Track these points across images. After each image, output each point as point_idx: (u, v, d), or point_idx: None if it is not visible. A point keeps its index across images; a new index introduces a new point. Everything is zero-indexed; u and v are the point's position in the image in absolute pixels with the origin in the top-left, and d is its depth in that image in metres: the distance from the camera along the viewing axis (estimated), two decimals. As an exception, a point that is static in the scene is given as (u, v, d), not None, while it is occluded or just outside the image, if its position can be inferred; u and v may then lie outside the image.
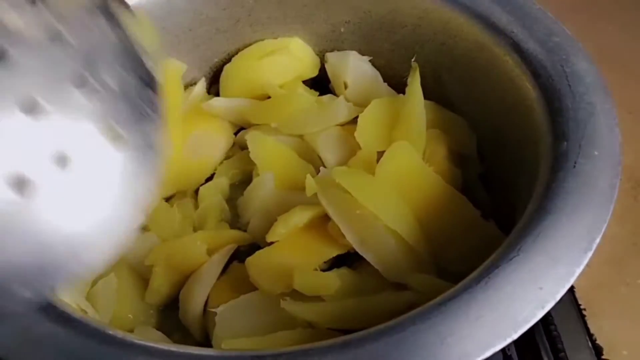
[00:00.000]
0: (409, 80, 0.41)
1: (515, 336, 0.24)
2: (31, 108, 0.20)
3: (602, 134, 0.30)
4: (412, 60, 0.42)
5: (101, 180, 0.21)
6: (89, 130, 0.21)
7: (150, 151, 0.22)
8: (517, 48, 0.36)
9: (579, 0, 0.70)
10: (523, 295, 0.25)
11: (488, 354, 0.23)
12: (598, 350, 0.42)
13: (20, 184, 0.19)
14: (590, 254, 0.26)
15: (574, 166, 0.29)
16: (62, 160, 0.20)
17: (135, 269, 0.40)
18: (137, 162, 0.22)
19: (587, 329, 0.44)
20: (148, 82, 0.23)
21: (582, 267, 0.26)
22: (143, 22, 0.24)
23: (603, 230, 0.27)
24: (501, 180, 0.40)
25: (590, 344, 0.43)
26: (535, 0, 0.54)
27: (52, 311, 0.26)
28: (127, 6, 0.24)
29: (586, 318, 0.44)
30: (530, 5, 0.38)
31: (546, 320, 0.42)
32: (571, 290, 0.45)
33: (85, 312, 0.34)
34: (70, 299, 0.33)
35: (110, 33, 0.22)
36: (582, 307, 0.45)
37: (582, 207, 0.27)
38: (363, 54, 0.46)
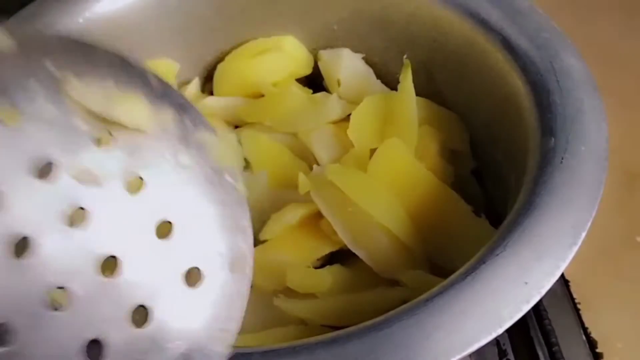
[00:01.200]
0: (401, 77, 0.42)
1: (501, 331, 0.24)
2: None
3: (589, 130, 0.30)
4: (404, 57, 0.42)
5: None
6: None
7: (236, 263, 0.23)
8: (507, 44, 0.36)
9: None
10: (508, 290, 0.25)
11: (474, 348, 0.24)
12: (592, 344, 0.43)
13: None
14: (575, 249, 0.26)
15: (561, 162, 0.29)
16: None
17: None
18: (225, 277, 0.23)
19: (582, 323, 0.44)
20: (233, 198, 0.24)
21: (567, 262, 0.26)
22: (224, 140, 0.25)
23: (589, 225, 0.27)
24: (493, 175, 0.40)
25: (584, 338, 0.43)
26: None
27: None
28: (207, 128, 0.24)
29: (581, 312, 0.44)
30: (520, 2, 0.38)
31: (540, 314, 0.43)
32: (566, 283, 0.46)
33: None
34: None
35: (191, 162, 0.23)
36: (576, 300, 0.45)
37: (568, 202, 0.28)
38: (356, 51, 0.46)
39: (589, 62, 0.63)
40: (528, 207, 0.28)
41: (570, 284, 0.46)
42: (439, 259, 0.36)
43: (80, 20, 0.39)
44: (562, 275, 0.46)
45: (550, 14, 0.67)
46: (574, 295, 0.45)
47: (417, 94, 0.42)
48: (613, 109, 0.57)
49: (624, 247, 0.48)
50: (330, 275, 0.36)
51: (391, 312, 0.25)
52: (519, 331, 0.42)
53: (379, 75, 0.47)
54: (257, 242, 0.38)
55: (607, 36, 0.65)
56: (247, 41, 0.47)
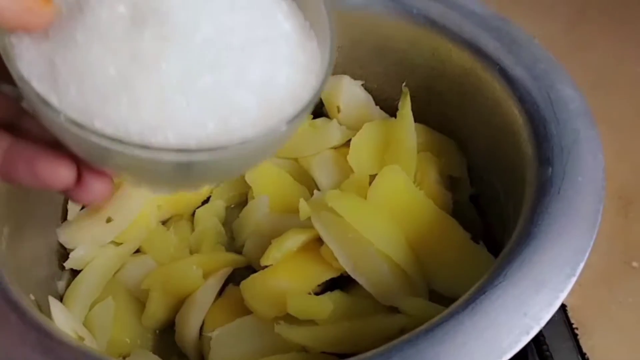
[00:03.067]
0: (399, 104, 0.42)
1: (501, 363, 0.25)
2: None
3: (585, 161, 0.31)
4: (403, 85, 0.43)
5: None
6: None
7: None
8: (504, 74, 0.37)
9: (572, 18, 0.71)
10: (508, 322, 0.26)
11: (474, 380, 0.24)
12: (590, 369, 0.43)
13: None
14: (574, 280, 0.27)
15: (559, 192, 0.30)
16: None
17: (132, 293, 0.41)
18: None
19: (579, 348, 0.44)
20: None
21: (566, 293, 0.27)
22: None
23: (587, 256, 0.28)
24: (491, 202, 0.41)
25: (582, 363, 0.43)
26: (529, 16, 0.56)
27: (47, 341, 0.27)
28: None
29: (579, 337, 0.45)
30: (516, 32, 0.39)
31: (538, 339, 0.43)
32: (563, 309, 0.46)
33: (83, 339, 0.34)
34: (67, 326, 0.34)
35: None
36: (574, 326, 0.45)
37: (566, 232, 0.28)
38: (355, 78, 0.47)
39: (584, 88, 0.63)
40: (526, 237, 0.28)
41: (567, 309, 0.46)
42: (438, 286, 0.36)
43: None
44: (560, 300, 0.46)
45: (547, 40, 0.68)
46: (572, 321, 0.45)
47: (416, 120, 0.42)
48: (608, 134, 0.58)
49: (621, 272, 0.49)
50: (330, 302, 0.36)
51: (392, 343, 0.26)
52: (517, 357, 0.42)
53: (377, 100, 0.47)
54: (259, 266, 0.39)
55: (602, 62, 0.66)
56: (248, 67, 0.48)
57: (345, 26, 0.45)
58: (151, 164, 0.21)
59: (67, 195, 0.24)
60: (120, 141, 0.20)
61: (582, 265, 0.27)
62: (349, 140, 0.44)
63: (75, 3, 0.22)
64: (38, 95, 0.20)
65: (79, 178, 0.23)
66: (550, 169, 0.31)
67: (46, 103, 0.20)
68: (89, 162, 0.23)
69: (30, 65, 0.21)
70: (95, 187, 0.23)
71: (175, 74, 0.21)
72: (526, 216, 0.30)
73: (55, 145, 0.23)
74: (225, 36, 0.22)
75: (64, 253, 0.41)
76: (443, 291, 0.36)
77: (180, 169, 0.22)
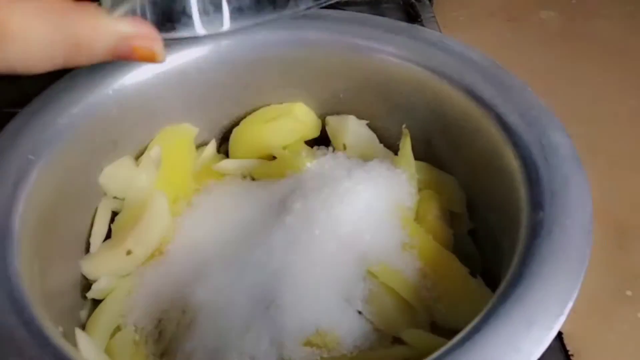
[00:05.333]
0: (400, 144, 0.45)
1: (495, 397, 0.27)
2: None
3: (574, 205, 0.33)
4: (403, 126, 0.46)
5: None
6: None
7: None
8: (500, 120, 0.39)
9: (576, 50, 0.74)
10: (502, 357, 0.28)
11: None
12: (585, 397, 0.45)
13: None
14: (563, 319, 0.29)
15: (549, 235, 0.32)
16: None
17: (150, 322, 0.43)
18: None
19: (575, 375, 0.46)
20: None
21: (555, 330, 0.29)
22: None
23: (575, 296, 0.30)
24: (488, 237, 0.43)
25: (578, 390, 0.45)
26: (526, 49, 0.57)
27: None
28: None
29: (574, 364, 0.47)
30: (511, 79, 0.41)
31: (535, 367, 0.45)
32: (559, 336, 0.48)
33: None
34: (92, 356, 0.36)
35: None
36: (570, 352, 0.47)
37: (555, 274, 0.31)
38: (361, 118, 0.49)
39: (581, 121, 0.66)
40: (519, 277, 0.31)
41: (564, 336, 0.48)
42: (438, 319, 0.39)
43: (110, 92, 0.43)
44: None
45: (543, 75, 0.70)
46: (568, 348, 0.48)
47: (418, 158, 0.45)
48: (603, 166, 0.61)
49: (616, 301, 0.51)
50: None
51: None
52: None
53: (382, 139, 0.50)
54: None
55: (597, 96, 0.69)
56: (260, 107, 0.51)
57: (352, 70, 0.48)
58: None
59: None
60: None
61: (570, 305, 0.30)
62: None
63: None
64: None
65: None
66: (541, 212, 0.33)
67: None
68: None
69: None
70: None
71: None
72: (519, 257, 0.32)
73: None
74: None
75: (86, 284, 0.44)
76: (444, 323, 0.39)
77: None
